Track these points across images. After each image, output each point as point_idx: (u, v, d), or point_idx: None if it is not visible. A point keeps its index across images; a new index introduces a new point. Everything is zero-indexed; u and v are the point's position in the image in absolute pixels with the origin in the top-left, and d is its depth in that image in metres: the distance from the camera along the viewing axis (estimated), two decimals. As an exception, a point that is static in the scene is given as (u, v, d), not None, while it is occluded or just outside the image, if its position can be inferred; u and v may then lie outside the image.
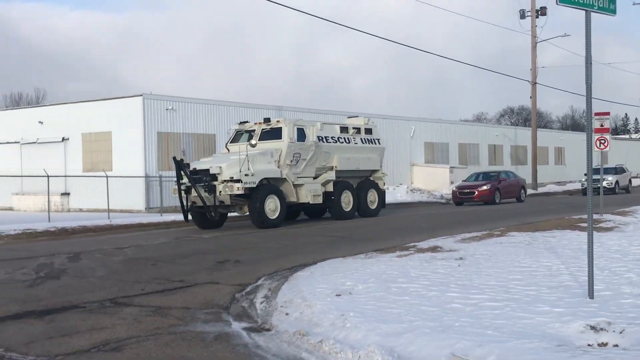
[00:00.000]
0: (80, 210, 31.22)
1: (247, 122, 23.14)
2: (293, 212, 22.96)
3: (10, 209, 32.82)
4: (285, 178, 20.88)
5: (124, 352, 6.44)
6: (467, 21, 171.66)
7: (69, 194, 32.34)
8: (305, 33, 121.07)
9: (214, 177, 19.57)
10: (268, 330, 7.35)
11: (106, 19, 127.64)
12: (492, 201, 31.82)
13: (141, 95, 30.93)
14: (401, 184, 39.41)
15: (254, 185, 19.59)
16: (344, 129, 23.76)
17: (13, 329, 7.40)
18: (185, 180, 19.87)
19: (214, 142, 33.48)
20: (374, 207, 23.91)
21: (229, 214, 21.79)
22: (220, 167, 19.59)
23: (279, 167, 20.80)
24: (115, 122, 31.59)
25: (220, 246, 15.63)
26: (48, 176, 25.33)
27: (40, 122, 34.04)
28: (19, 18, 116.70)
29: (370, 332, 6.51)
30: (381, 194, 24.52)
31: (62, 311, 8.35)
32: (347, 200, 22.74)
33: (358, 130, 24.23)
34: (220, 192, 19.30)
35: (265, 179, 20.19)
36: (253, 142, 19.90)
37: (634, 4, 49.36)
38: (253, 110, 34.92)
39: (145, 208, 29.94)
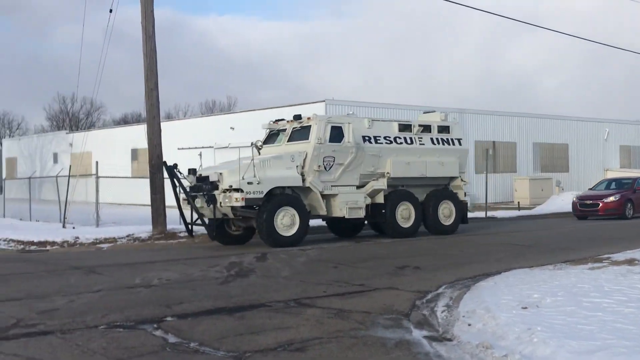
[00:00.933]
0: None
1: (282, 119, 19.79)
2: (353, 227, 19.64)
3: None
4: (308, 187, 17.34)
5: (307, 353, 6.59)
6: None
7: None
8: (490, 34, 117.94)
9: (215, 185, 16.75)
10: (449, 340, 7.19)
11: (292, 29, 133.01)
12: (622, 215, 26.01)
13: (324, 100, 31.80)
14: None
15: (261, 196, 16.38)
16: (405, 127, 19.55)
17: (206, 324, 7.86)
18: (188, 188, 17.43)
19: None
20: (448, 222, 19.53)
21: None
22: (221, 173, 16.70)
23: (302, 173, 17.27)
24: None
25: (398, 252, 15.60)
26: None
27: (231, 127, 36.15)
28: (215, 30, 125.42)
29: (559, 349, 6.14)
30: (460, 206, 19.99)
31: (250, 309, 8.75)
32: (405, 214, 18.69)
33: (427, 128, 19.87)
34: (220, 203, 16.50)
35: (279, 187, 16.94)
36: (259, 143, 17.30)
37: None
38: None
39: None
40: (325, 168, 17.55)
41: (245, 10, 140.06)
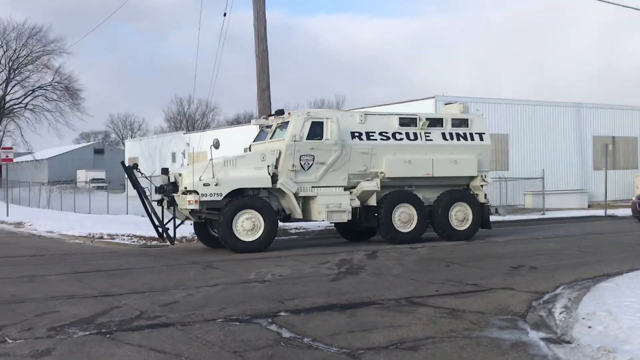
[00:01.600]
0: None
1: (272, 115, 18.08)
2: (365, 230, 17.81)
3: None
4: (280, 188, 16.02)
5: (420, 352, 6.54)
6: None
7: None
8: (609, 24, 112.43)
9: (176, 186, 15.87)
10: (568, 342, 6.92)
11: (401, 25, 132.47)
12: None
13: (433, 97, 31.39)
14: None
15: (219, 198, 15.30)
16: (408, 121, 17.39)
17: (319, 320, 7.96)
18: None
19: (507, 143, 32.69)
20: (463, 227, 17.42)
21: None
22: (180, 174, 15.84)
23: (274, 173, 15.97)
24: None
25: (514, 251, 15.18)
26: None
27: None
28: (324, 29, 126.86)
29: (690, 356, 5.77)
30: (479, 209, 17.69)
31: (362, 306, 8.78)
32: (405, 218, 16.79)
33: (438, 122, 17.71)
34: (178, 205, 15.77)
35: (244, 189, 15.76)
36: (217, 141, 15.71)
37: None
38: (549, 108, 33.46)
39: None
40: (302, 167, 16.15)
41: (354, 8, 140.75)
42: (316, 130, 16.25)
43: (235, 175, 15.65)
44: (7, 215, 29.95)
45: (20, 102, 59.89)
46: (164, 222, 16.65)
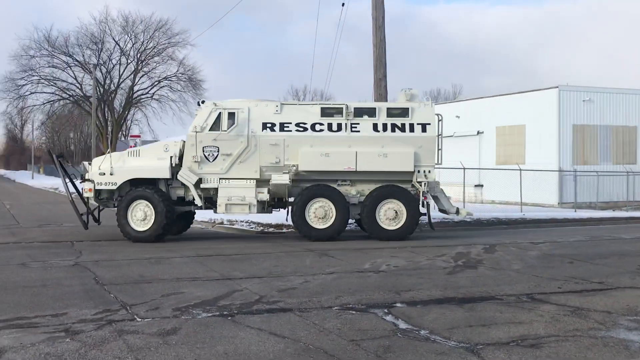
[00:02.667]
0: (493, 202, 31.95)
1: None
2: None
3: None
4: (178, 179, 16.08)
5: (542, 350, 6.32)
6: None
7: (482, 185, 33.35)
8: None
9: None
10: None
11: (524, 13, 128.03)
12: None
13: (557, 87, 30.23)
14: None
15: (113, 187, 15.92)
16: (333, 112, 16.27)
17: (435, 313, 7.86)
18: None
19: (635, 135, 30.98)
20: (393, 226, 15.96)
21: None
22: (90, 163, 16.58)
23: (177, 164, 16.04)
24: (529, 115, 31.49)
25: (643, 248, 14.38)
26: (464, 168, 26.46)
27: (457, 116, 35.73)
28: (442, 18, 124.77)
29: None
30: (414, 207, 16.01)
31: (480, 301, 8.59)
32: (320, 214, 15.88)
33: (371, 112, 16.27)
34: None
35: (142, 179, 16.00)
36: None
37: None
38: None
39: (558, 203, 29.24)
40: (207, 159, 15.95)
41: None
42: (225, 121, 15.95)
43: (132, 165, 16.04)
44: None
45: (147, 92, 62.95)
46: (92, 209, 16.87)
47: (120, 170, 16.02)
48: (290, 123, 16.11)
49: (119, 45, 61.55)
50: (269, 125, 16.06)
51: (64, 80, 60.81)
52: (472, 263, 12.06)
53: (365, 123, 16.16)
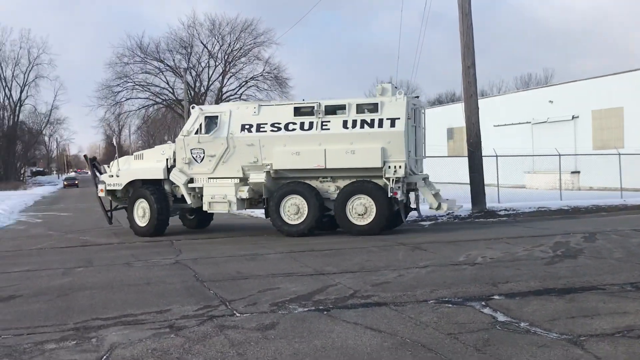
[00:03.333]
0: (591, 188, 30.84)
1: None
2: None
3: (523, 187, 34.34)
4: (169, 179, 17.47)
5: (650, 342, 6.07)
6: None
7: (579, 172, 32.24)
8: None
9: None
10: None
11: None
12: None
13: (656, 66, 28.78)
14: None
15: (119, 188, 18.17)
16: (305, 110, 16.45)
17: (535, 305, 7.67)
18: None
19: None
20: (363, 221, 15.79)
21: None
22: (109, 166, 18.97)
23: (172, 166, 17.37)
24: (628, 97, 30.16)
25: None
26: (559, 155, 25.65)
27: (550, 101, 34.65)
28: (532, 0, 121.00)
29: None
30: (384, 203, 15.64)
31: (581, 291, 8.32)
32: (293, 210, 16.19)
33: (341, 109, 16.22)
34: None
35: (142, 180, 17.89)
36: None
37: None
38: None
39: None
40: (195, 160, 16.97)
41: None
42: (209, 125, 16.86)
43: (134, 168, 17.98)
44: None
45: (235, 93, 64.29)
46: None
47: (124, 172, 18.07)
48: (266, 124, 16.58)
49: (207, 48, 63.32)
50: (247, 126, 16.70)
51: (156, 85, 63.12)
52: (571, 252, 11.69)
53: (336, 120, 16.15)
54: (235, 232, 18.06)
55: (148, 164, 17.81)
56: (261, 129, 16.57)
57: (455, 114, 33.85)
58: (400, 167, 15.64)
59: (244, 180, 16.78)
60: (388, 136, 15.70)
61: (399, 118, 15.72)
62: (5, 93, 79.24)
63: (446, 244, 13.65)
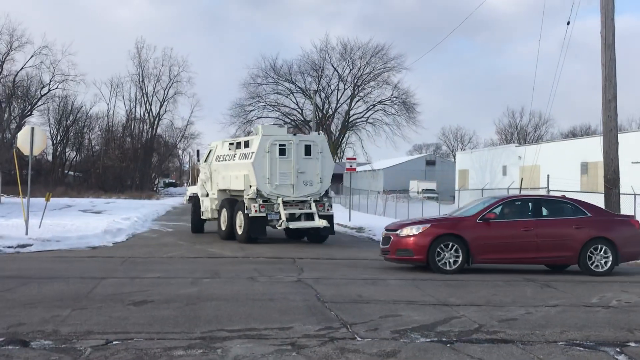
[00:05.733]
0: None
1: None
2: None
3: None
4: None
5: None
6: None
7: None
8: None
9: None
10: None
11: None
12: (428, 263, 13.92)
13: None
14: None
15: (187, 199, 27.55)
16: (232, 145, 22.38)
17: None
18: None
19: None
20: (240, 232, 20.59)
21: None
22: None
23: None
24: None
25: None
26: None
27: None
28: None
29: None
30: (245, 217, 20.14)
31: None
32: (222, 220, 22.03)
33: (243, 144, 21.56)
34: None
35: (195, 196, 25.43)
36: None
37: None
38: None
39: None
40: (204, 182, 24.55)
41: None
42: (205, 156, 24.78)
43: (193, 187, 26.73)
44: (349, 220, 32.54)
45: (362, 116, 64.74)
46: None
47: (191, 190, 26.41)
48: (222, 155, 22.74)
49: (337, 71, 64.26)
50: (218, 157, 23.07)
51: (286, 106, 64.72)
52: None
53: (238, 152, 21.50)
54: (354, 249, 18.05)
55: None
56: (219, 159, 22.99)
57: (591, 148, 32.35)
58: (251, 187, 20.27)
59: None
60: (245, 166, 20.55)
61: (253, 152, 20.20)
62: (146, 107, 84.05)
63: (578, 283, 12.96)
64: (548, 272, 14.84)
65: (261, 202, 19.87)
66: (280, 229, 20.39)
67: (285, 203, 20.01)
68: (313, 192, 20.54)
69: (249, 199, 19.91)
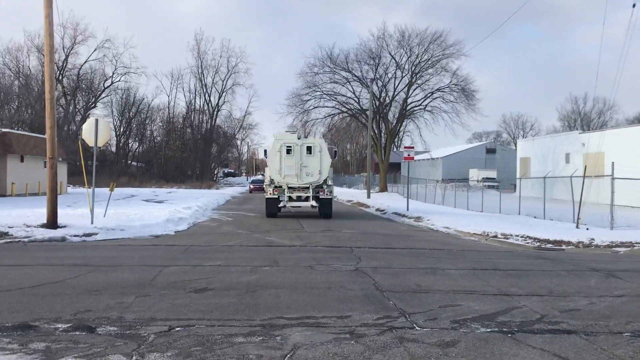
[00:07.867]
0: None
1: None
2: None
3: None
4: None
5: None
6: None
7: None
8: None
9: None
10: None
11: None
12: None
13: None
14: None
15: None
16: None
17: None
18: None
19: None
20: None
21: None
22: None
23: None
24: None
25: None
26: None
27: None
28: None
29: None
30: (265, 199, 28.37)
31: None
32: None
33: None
34: None
35: None
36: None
37: None
38: None
39: None
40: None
41: None
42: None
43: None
44: (407, 209, 32.35)
45: (419, 104, 64.17)
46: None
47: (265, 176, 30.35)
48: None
49: (394, 59, 63.82)
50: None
51: (343, 95, 64.67)
52: None
53: (267, 152, 28.44)
54: (414, 242, 17.98)
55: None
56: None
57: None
58: (268, 179, 27.82)
59: None
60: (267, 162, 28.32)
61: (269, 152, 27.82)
62: (205, 99, 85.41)
63: (644, 274, 12.58)
64: (613, 262, 14.45)
65: (274, 187, 27.13)
66: (284, 209, 28.83)
67: (291, 188, 27.09)
68: (313, 180, 27.17)
69: (266, 185, 27.71)
